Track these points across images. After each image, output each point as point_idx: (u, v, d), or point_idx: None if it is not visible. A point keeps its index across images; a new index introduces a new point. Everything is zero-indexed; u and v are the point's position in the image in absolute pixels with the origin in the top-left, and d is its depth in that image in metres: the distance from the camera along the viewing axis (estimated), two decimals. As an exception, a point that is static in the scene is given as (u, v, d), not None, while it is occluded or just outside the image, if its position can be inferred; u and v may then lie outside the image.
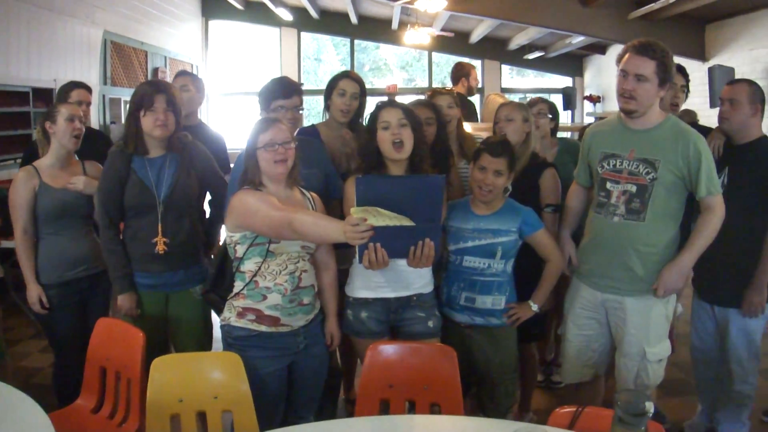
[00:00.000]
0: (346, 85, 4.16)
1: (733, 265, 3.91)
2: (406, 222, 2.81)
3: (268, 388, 3.17)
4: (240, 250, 3.18)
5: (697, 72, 12.71)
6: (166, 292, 3.81)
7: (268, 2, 14.22)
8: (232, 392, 3.00)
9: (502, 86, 18.84)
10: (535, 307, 3.66)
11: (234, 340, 3.21)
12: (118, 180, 3.67)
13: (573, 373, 3.83)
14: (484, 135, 4.87)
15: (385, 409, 3.10)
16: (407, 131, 3.32)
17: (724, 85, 4.11)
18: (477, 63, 19.28)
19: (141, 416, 3.17)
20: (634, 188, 3.41)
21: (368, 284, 3.45)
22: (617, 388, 3.68)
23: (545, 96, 5.19)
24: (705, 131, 4.07)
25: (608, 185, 3.50)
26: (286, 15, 15.36)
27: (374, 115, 3.40)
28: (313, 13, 16.33)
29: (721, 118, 3.95)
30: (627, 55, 3.36)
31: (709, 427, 4.41)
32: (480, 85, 7.75)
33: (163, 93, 3.63)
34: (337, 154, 4.15)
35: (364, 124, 4.12)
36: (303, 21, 17.00)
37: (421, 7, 11.16)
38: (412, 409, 3.13)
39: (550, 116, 4.83)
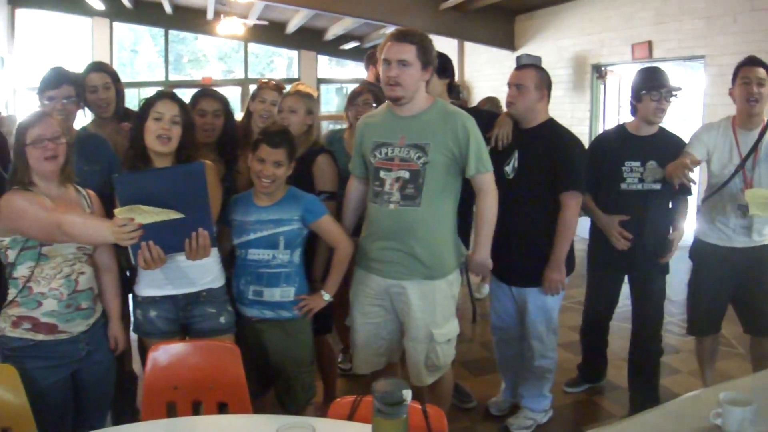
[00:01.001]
0: (95, 79, 3.98)
1: (528, 246, 4.02)
2: (174, 215, 2.73)
3: (50, 400, 2.98)
4: (11, 255, 2.96)
5: (507, 61, 13.15)
6: None
7: (79, -10, 13.65)
8: (10, 407, 2.77)
9: (319, 76, 18.90)
10: (327, 297, 3.59)
11: (11, 351, 2.98)
12: None
13: (364, 363, 3.80)
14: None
15: (172, 411, 3.00)
16: (177, 129, 3.18)
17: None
18: (294, 54, 19.29)
19: None
20: (407, 174, 3.42)
21: (155, 282, 3.29)
22: (409, 372, 3.70)
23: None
24: (493, 117, 4.18)
25: (381, 174, 3.49)
26: (97, 4, 14.76)
27: (150, 103, 3.22)
28: (126, 2, 15.83)
29: (509, 102, 4.05)
30: (388, 44, 3.38)
31: (513, 402, 4.54)
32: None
33: None
34: (121, 149, 3.97)
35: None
36: (116, 10, 16.40)
37: (232, -4, 11.05)
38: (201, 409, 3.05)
39: (375, 105, 4.77)
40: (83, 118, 4.06)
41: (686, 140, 4.22)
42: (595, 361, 4.93)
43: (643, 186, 4.15)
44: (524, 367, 4.32)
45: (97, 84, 3.97)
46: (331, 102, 20.10)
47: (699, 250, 4.31)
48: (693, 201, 4.26)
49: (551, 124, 4.04)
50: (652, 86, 4.10)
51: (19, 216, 2.87)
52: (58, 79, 3.58)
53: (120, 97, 4.09)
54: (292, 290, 3.51)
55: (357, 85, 5.15)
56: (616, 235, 4.15)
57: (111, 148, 3.82)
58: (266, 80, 4.58)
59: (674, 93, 4.14)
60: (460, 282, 3.73)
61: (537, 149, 3.95)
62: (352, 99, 4.79)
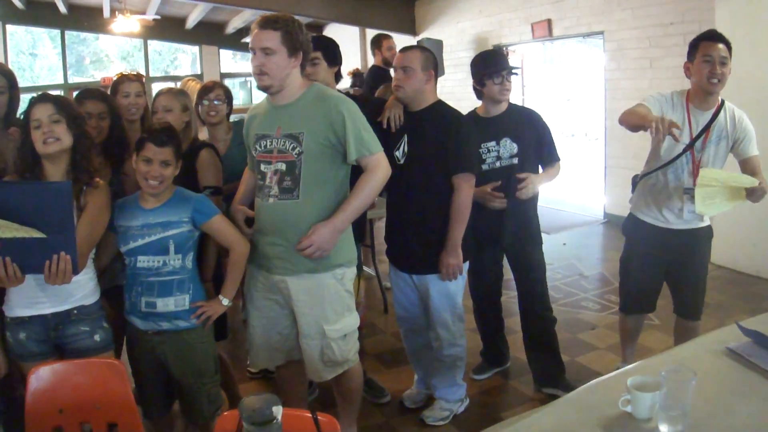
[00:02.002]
0: None
1: (424, 232, 3.94)
2: (35, 233, 2.58)
3: None
4: None
5: (409, 46, 13.10)
6: None
7: (-35, -8, 13.13)
8: None
9: (222, 71, 18.73)
10: (225, 301, 3.42)
11: None
12: None
13: (261, 358, 3.69)
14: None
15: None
16: (61, 127, 2.99)
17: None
18: (195, 49, 19.01)
19: None
20: (284, 166, 3.29)
21: (22, 301, 3.07)
22: (306, 369, 3.58)
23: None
24: (382, 102, 4.11)
25: (262, 167, 3.36)
26: (-13, 7, 14.28)
27: (26, 113, 3.05)
28: (19, 4, 15.31)
29: (396, 86, 3.94)
30: (254, 32, 3.24)
31: (428, 393, 4.45)
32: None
33: None
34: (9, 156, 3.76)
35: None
36: (7, 12, 15.83)
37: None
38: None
39: (222, 101, 4.66)
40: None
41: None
42: (496, 342, 4.88)
43: (501, 163, 4.21)
44: (434, 356, 4.23)
45: None
46: (236, 96, 19.71)
47: (632, 227, 4.27)
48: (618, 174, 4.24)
49: (439, 106, 3.96)
50: (493, 70, 4.17)
51: None
52: None
53: (14, 103, 3.83)
54: (186, 298, 3.32)
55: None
56: (491, 197, 4.14)
57: None
58: (126, 72, 4.35)
59: (514, 72, 4.24)
60: (354, 276, 3.59)
61: (426, 132, 3.87)
62: (202, 96, 4.67)
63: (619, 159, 8.69)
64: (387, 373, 4.97)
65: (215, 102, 4.62)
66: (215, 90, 4.64)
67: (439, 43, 11.86)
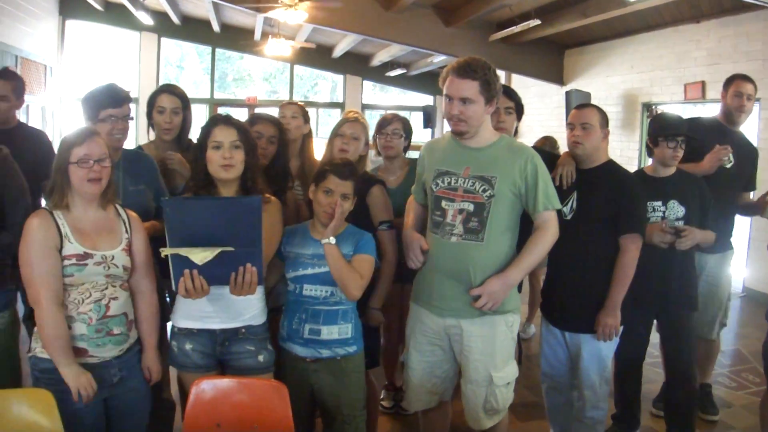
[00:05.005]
0: (165, 101, 3.98)
1: (584, 291, 3.85)
2: (225, 249, 2.65)
3: (81, 426, 2.83)
4: None
5: (556, 96, 13.03)
6: None
7: (128, 4, 13.64)
8: (44, 432, 2.66)
9: (363, 102, 18.96)
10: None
11: (41, 372, 2.87)
12: None
13: (417, 401, 3.67)
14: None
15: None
16: (239, 154, 3.07)
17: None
18: (338, 78, 19.31)
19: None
20: (471, 207, 3.30)
21: (192, 313, 3.14)
22: (466, 416, 3.54)
23: (406, 113, 4.97)
24: (552, 157, 4.07)
25: (443, 204, 3.37)
26: (146, 19, 14.78)
27: (206, 131, 3.13)
28: (175, 19, 15.91)
29: (575, 142, 3.89)
30: (449, 78, 3.26)
31: (563, 452, 4.34)
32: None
33: None
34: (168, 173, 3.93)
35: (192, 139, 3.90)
36: (164, 26, 16.54)
37: (282, 18, 10.98)
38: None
39: (404, 135, 4.67)
40: (145, 137, 4.17)
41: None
42: (632, 407, 4.68)
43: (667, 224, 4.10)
44: (574, 416, 4.12)
45: (167, 106, 3.99)
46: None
47: None
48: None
49: (612, 165, 3.93)
50: (669, 134, 4.11)
51: (24, 261, 2.82)
52: (120, 98, 3.50)
53: (186, 123, 4.07)
54: (350, 327, 3.39)
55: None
56: (660, 232, 4.04)
57: (157, 169, 3.77)
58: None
59: (690, 139, 4.18)
60: (518, 324, 3.57)
61: (597, 190, 3.82)
62: (381, 128, 4.67)
63: (766, 232, 8.35)
64: (519, 425, 4.85)
65: (400, 134, 4.63)
66: (393, 123, 4.64)
67: (586, 96, 11.74)
